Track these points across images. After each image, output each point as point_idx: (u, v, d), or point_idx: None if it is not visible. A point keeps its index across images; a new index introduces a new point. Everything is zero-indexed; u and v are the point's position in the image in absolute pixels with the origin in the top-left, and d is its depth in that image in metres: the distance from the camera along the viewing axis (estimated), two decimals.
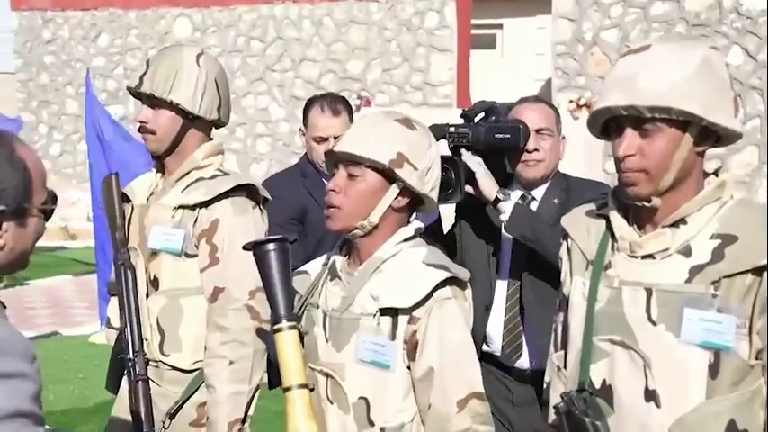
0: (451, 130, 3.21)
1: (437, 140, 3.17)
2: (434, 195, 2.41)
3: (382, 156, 2.31)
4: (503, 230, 3.20)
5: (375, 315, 2.29)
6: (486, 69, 15.22)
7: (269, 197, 3.03)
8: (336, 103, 3.87)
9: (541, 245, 3.05)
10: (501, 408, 3.30)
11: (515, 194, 3.27)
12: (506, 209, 3.10)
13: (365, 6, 14.92)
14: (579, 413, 2.13)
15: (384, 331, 2.29)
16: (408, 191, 2.36)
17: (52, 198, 1.89)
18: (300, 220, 3.76)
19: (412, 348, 2.29)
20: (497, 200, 3.11)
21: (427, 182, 2.37)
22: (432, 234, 3.24)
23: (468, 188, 3.15)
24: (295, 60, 15.14)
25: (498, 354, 3.29)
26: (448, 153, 3.18)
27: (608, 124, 2.16)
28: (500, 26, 16.08)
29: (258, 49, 15.34)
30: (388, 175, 2.33)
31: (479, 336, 3.28)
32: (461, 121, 3.26)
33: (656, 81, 2.04)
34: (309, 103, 3.92)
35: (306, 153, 3.95)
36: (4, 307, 1.81)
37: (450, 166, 3.07)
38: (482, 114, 3.27)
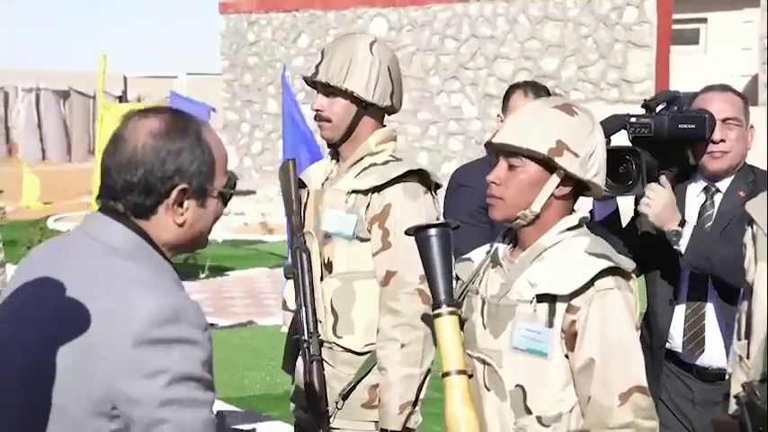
0: (632, 120, 3.13)
1: (617, 131, 3.11)
2: (599, 181, 2.36)
3: (541, 145, 2.27)
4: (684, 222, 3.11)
5: (531, 301, 2.27)
6: (688, 65, 14.72)
7: (441, 183, 3.05)
8: (539, 89, 3.93)
9: (720, 270, 2.99)
10: (680, 406, 3.20)
11: (698, 186, 3.18)
12: (682, 242, 3.04)
13: (561, 2, 14.73)
14: (762, 404, 2.04)
15: (540, 318, 2.27)
16: (571, 178, 2.31)
17: (232, 183, 1.96)
18: None
19: (570, 338, 2.25)
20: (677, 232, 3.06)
21: (590, 168, 2.31)
22: (609, 226, 3.18)
23: (644, 210, 3.08)
24: (488, 58, 15.12)
25: (679, 350, 3.19)
26: (629, 144, 3.11)
27: None
28: (704, 20, 15.54)
29: (452, 48, 15.41)
30: (549, 164, 2.29)
31: (664, 331, 3.20)
32: (643, 111, 3.18)
33: None
34: (511, 89, 4.00)
35: None
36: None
37: (632, 157, 3.00)
38: (664, 104, 3.19)
